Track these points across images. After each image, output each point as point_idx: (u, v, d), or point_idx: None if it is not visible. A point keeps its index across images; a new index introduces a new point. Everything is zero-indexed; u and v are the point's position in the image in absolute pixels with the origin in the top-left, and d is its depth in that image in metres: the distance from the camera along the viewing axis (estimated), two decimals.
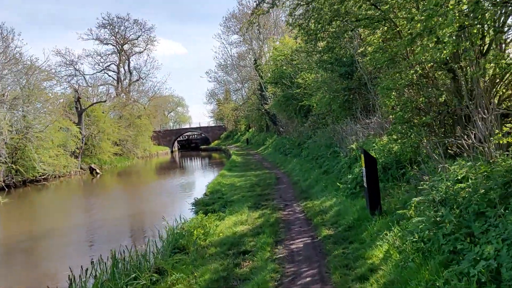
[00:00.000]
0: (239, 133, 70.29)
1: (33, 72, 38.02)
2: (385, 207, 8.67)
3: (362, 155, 8.77)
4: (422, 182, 7.41)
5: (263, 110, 41.36)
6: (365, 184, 8.79)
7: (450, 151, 9.27)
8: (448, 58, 8.59)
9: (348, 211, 9.45)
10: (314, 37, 17.78)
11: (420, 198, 7.09)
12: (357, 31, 13.98)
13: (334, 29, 17.67)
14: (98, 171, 43.38)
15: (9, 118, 33.36)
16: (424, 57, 8.07)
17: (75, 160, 43.06)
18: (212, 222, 11.43)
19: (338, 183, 12.34)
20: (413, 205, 7.45)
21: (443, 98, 9.04)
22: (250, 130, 64.39)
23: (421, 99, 9.77)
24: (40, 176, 36.83)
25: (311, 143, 22.78)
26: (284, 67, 26.22)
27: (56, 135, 38.50)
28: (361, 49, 13.45)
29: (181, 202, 19.31)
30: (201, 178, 31.11)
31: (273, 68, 29.48)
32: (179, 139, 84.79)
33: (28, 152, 34.24)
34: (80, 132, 44.56)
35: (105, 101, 50.15)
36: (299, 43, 21.57)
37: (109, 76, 66.89)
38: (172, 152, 77.12)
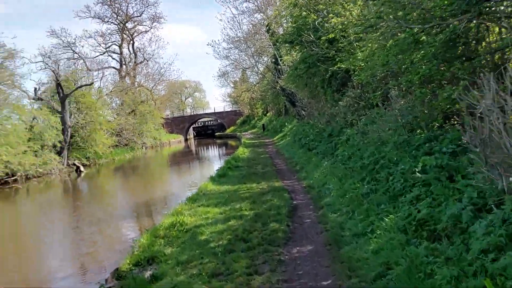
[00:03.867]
0: (256, 118, 59.61)
1: None
2: None
3: None
4: None
5: (278, 88, 30.54)
6: None
7: None
8: None
9: None
10: None
11: None
12: None
13: None
14: (81, 168, 33.85)
15: None
16: None
17: (56, 156, 33.65)
18: None
19: None
20: None
21: None
22: (268, 114, 53.65)
23: None
24: (7, 178, 27.61)
25: (355, 135, 12.08)
26: (305, 12, 15.34)
27: (17, 127, 29.00)
28: None
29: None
30: (203, 175, 21.21)
31: (290, 22, 18.64)
32: (194, 125, 74.86)
33: None
34: (63, 123, 35.03)
35: (91, 84, 40.23)
36: None
37: (113, 59, 57.18)
38: (186, 140, 67.27)
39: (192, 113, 77.28)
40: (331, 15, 12.84)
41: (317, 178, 12.17)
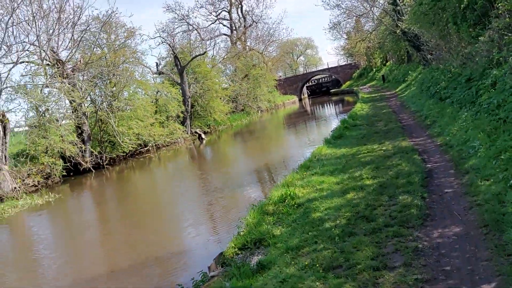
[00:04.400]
0: (374, 70, 55.29)
1: (113, 28, 30.64)
2: None
3: None
4: None
5: (398, 32, 27.05)
6: None
7: None
8: None
9: None
10: None
11: None
12: None
13: None
14: (203, 136, 35.51)
15: (86, 87, 26.46)
16: None
17: (180, 126, 35.82)
18: None
19: None
20: None
21: None
22: (387, 64, 49.14)
23: None
24: (141, 148, 30.43)
25: (505, 76, 9.46)
26: None
27: (143, 101, 31.25)
28: None
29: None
30: (321, 135, 20.07)
31: None
32: (307, 84, 73.10)
33: (110, 126, 27.39)
34: (183, 94, 36.91)
35: (204, 53, 41.26)
36: None
37: (224, 25, 58.06)
38: (300, 100, 66.20)
39: (305, 72, 75.44)
40: None
41: (455, 133, 10.04)
